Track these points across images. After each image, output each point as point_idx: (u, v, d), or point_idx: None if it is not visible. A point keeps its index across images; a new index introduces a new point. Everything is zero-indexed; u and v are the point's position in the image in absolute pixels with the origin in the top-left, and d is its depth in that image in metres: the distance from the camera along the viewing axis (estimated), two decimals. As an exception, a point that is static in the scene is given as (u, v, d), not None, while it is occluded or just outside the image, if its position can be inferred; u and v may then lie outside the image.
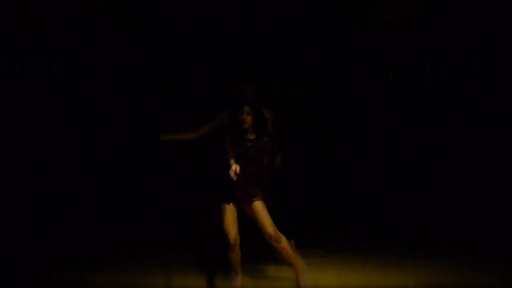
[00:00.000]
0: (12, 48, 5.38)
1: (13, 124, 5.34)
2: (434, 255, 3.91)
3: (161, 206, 5.70)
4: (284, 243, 3.03)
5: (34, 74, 5.74)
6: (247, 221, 3.12)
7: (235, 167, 2.84)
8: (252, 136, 3.07)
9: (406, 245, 4.35)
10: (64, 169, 5.93)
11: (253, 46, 6.54)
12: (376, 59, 6.56)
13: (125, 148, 6.49)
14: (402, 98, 6.47)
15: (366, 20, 6.25)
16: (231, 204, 3.04)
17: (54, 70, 6.01)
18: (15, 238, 4.48)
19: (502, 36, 5.06)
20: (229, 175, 2.84)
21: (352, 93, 6.68)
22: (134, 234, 4.93)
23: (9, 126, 5.25)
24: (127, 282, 3.36)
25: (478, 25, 5.38)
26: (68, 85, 6.10)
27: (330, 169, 6.59)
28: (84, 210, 5.66)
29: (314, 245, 4.31)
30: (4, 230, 4.56)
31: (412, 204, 5.91)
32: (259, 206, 2.98)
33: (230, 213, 3.05)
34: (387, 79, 6.62)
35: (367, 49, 6.55)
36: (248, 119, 3.00)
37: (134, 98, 6.54)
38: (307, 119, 6.63)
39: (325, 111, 6.72)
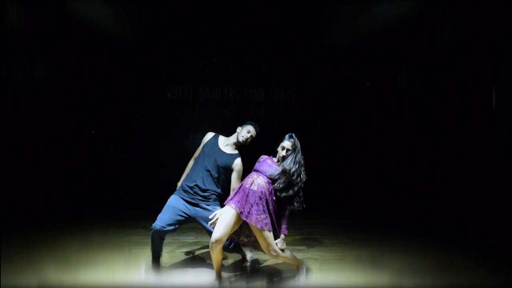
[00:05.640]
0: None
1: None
2: (409, 252, 4.13)
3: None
4: (280, 257, 3.21)
5: (17, 77, 5.71)
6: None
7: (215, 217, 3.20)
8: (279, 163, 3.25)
9: (381, 241, 4.56)
10: (48, 170, 6.01)
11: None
12: (357, 67, 6.86)
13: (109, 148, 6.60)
14: (380, 103, 6.81)
15: (347, 32, 6.50)
16: (234, 210, 3.16)
17: (36, 74, 6.00)
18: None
19: (472, 51, 5.38)
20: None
21: (334, 99, 6.97)
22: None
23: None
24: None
25: (450, 39, 5.68)
26: (51, 88, 6.15)
27: (309, 166, 6.83)
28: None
29: (296, 242, 4.56)
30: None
31: (388, 201, 6.22)
32: (256, 230, 3.12)
33: (226, 215, 3.15)
34: (365, 86, 6.93)
35: (349, 58, 6.84)
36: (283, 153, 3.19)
37: (118, 101, 6.65)
38: (290, 124, 6.88)
39: (309, 116, 6.98)
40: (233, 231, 3.19)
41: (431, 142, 5.98)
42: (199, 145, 3.78)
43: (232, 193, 3.31)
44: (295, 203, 3.18)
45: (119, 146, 6.65)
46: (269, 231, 3.11)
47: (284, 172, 3.15)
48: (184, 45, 6.63)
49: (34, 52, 5.87)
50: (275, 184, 3.16)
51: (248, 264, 3.74)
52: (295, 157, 3.19)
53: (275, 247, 3.15)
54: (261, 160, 3.34)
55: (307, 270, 3.47)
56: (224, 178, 3.59)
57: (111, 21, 6.24)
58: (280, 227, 3.21)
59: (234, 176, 3.53)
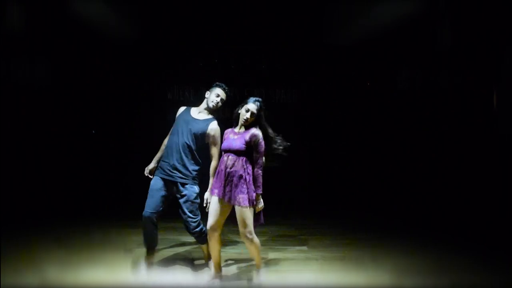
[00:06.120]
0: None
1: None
2: (409, 252, 4.14)
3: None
4: (253, 244, 3.17)
5: (17, 77, 5.72)
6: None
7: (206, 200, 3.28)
8: (241, 130, 3.24)
9: (382, 241, 4.58)
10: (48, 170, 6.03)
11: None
12: (357, 68, 6.88)
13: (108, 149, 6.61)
14: (380, 103, 6.82)
15: (348, 32, 6.52)
16: (216, 196, 3.18)
17: (37, 74, 6.00)
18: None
19: (472, 51, 5.41)
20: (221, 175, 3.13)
21: (335, 99, 6.99)
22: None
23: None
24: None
25: (450, 39, 5.70)
26: (51, 88, 6.17)
27: (310, 167, 6.86)
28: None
29: (298, 242, 4.56)
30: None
31: (389, 201, 6.24)
32: (237, 209, 3.12)
33: (213, 203, 3.20)
34: (366, 86, 6.95)
35: (349, 58, 6.86)
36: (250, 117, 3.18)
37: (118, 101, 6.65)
38: (291, 124, 6.89)
39: (310, 116, 6.99)
40: (224, 216, 3.20)
41: (431, 142, 6.01)
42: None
43: (213, 181, 3.28)
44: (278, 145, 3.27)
45: (120, 146, 6.66)
46: (251, 206, 3.09)
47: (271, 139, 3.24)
48: (185, 45, 6.64)
49: (34, 52, 5.88)
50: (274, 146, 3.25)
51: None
52: (264, 125, 3.24)
53: (251, 230, 3.13)
54: (225, 136, 3.30)
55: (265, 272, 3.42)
56: (203, 148, 3.47)
57: (111, 21, 6.23)
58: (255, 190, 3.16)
59: (212, 141, 3.42)
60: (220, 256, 3.33)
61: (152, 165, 3.64)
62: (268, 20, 6.54)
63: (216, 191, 3.19)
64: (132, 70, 6.64)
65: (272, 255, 4.09)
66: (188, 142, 3.40)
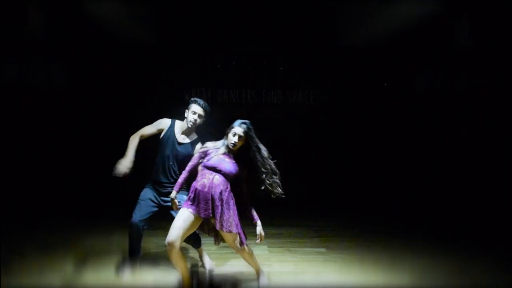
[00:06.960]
0: (14, 54, 5.47)
1: (14, 130, 5.47)
2: (428, 254, 4.08)
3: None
4: (245, 253, 3.09)
5: (34, 80, 5.80)
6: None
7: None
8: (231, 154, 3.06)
9: (401, 243, 4.51)
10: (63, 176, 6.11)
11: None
12: (375, 69, 6.81)
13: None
14: (396, 104, 6.74)
15: (365, 34, 6.48)
16: (192, 212, 2.96)
17: (54, 77, 6.13)
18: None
19: (491, 51, 5.33)
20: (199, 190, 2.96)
21: (354, 100, 6.93)
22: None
23: (10, 131, 5.36)
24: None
25: (470, 39, 5.62)
26: (68, 91, 6.28)
27: (327, 169, 6.82)
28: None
29: (315, 243, 4.52)
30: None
31: (407, 203, 6.13)
32: (224, 232, 2.97)
33: (182, 217, 2.94)
34: (383, 88, 6.87)
35: (367, 60, 6.80)
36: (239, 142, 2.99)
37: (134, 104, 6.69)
38: (308, 125, 6.86)
39: (326, 116, 6.95)
40: (188, 234, 2.99)
41: (460, 145, 5.90)
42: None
43: (190, 196, 3.03)
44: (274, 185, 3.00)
45: (139, 148, 6.67)
46: (237, 232, 2.98)
47: (262, 165, 2.98)
48: (202, 47, 6.66)
49: (45, 54, 5.96)
50: (263, 176, 2.97)
51: (206, 272, 3.58)
52: (257, 145, 2.99)
53: (239, 241, 3.02)
54: (212, 154, 3.04)
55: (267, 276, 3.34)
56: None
57: (129, 24, 6.27)
58: (251, 217, 3.04)
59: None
60: (187, 269, 3.06)
61: (130, 162, 3.35)
62: (285, 22, 6.54)
63: (198, 209, 2.94)
64: (149, 73, 6.67)
65: (289, 256, 4.07)
66: (174, 167, 3.40)
